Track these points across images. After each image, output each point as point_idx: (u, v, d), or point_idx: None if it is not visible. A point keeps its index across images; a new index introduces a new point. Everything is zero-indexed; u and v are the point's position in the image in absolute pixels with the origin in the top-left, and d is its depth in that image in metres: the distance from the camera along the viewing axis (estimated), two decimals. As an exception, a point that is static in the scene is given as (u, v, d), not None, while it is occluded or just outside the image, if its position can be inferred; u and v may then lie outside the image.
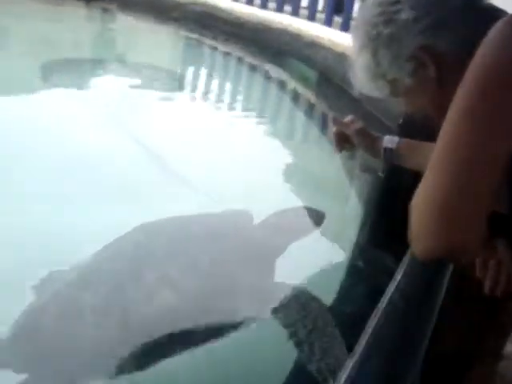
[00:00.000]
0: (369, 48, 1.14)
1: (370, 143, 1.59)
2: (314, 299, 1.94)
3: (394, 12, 1.10)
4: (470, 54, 0.99)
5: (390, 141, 1.57)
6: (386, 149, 1.57)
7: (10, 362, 1.59)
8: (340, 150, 1.64)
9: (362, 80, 1.21)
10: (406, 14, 1.09)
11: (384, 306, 1.09)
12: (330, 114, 1.64)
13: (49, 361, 1.61)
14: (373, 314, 1.08)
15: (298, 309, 1.90)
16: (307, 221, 2.60)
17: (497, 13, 1.11)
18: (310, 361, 1.69)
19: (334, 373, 1.66)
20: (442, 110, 1.18)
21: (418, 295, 1.19)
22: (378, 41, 1.13)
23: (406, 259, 1.33)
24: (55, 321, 1.72)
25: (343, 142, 1.62)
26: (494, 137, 0.91)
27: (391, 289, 1.17)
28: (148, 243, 2.17)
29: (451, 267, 1.20)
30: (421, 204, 0.95)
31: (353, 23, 1.22)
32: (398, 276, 1.22)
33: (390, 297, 1.13)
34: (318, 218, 2.60)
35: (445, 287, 1.21)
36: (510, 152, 0.91)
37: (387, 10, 1.11)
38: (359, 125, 1.58)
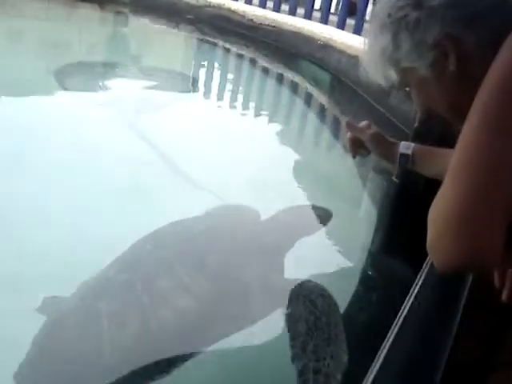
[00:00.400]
0: (390, 29, 1.10)
1: (385, 149, 1.56)
2: (326, 297, 1.93)
3: None
4: (495, 53, 0.97)
5: (406, 147, 1.54)
6: (401, 155, 1.54)
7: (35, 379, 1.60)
8: (354, 156, 1.61)
9: (372, 64, 1.17)
10: (437, 0, 1.05)
11: (404, 314, 1.08)
12: (345, 119, 1.62)
13: (71, 375, 1.62)
14: (393, 324, 1.07)
15: (309, 306, 1.89)
16: (314, 218, 2.59)
17: None
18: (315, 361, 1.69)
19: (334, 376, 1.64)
20: (456, 107, 1.14)
21: (437, 305, 1.18)
22: (402, 23, 1.08)
23: (424, 267, 1.32)
24: (74, 335, 1.72)
25: (358, 147, 1.59)
26: None
27: (411, 298, 1.16)
28: (160, 250, 2.15)
29: (470, 277, 1.19)
30: (439, 215, 0.93)
31: (375, 5, 1.16)
32: (417, 285, 1.21)
33: (410, 306, 1.12)
34: (325, 216, 2.58)
35: (464, 296, 1.20)
36: None
37: None
38: (374, 130, 1.55)
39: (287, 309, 1.88)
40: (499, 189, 0.90)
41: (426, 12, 1.06)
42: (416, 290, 1.18)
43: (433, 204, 0.96)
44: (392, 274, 2.12)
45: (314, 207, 2.67)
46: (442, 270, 0.94)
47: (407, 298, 1.18)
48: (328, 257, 2.33)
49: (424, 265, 1.33)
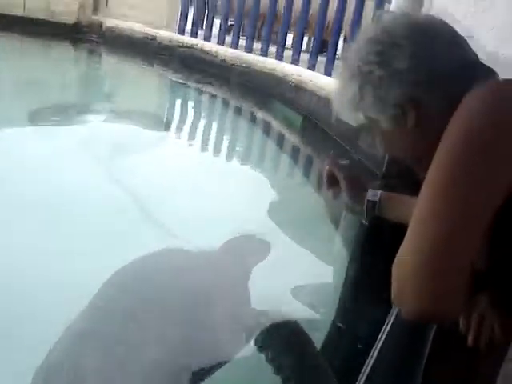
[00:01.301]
0: (357, 80, 1.16)
1: (356, 193, 1.61)
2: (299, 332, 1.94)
3: (391, 56, 1.12)
4: (452, 112, 1.03)
5: (373, 194, 1.61)
6: (368, 201, 1.60)
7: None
8: (328, 189, 1.66)
9: (341, 106, 1.23)
10: (402, 63, 1.11)
11: (374, 357, 1.12)
12: (330, 153, 1.68)
13: None
14: (364, 365, 1.10)
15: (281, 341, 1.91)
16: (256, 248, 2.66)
17: (486, 73, 1.14)
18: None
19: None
20: (415, 158, 1.23)
21: (406, 345, 1.21)
22: (368, 78, 1.14)
23: (393, 311, 1.36)
24: None
25: (332, 183, 1.64)
26: (472, 197, 0.94)
27: (381, 340, 1.19)
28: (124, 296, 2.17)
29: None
30: (400, 270, 0.97)
31: (347, 50, 1.23)
32: (389, 325, 1.25)
33: (380, 348, 1.15)
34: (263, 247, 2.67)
35: (431, 336, 1.23)
36: (491, 212, 0.94)
37: (385, 52, 1.13)
38: (352, 172, 1.62)
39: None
40: (460, 241, 0.94)
41: (390, 72, 1.12)
42: (386, 331, 1.22)
43: (396, 256, 0.99)
44: (360, 319, 2.15)
45: (252, 237, 2.72)
46: (407, 319, 0.97)
47: (376, 344, 1.22)
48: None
49: (392, 309, 1.37)
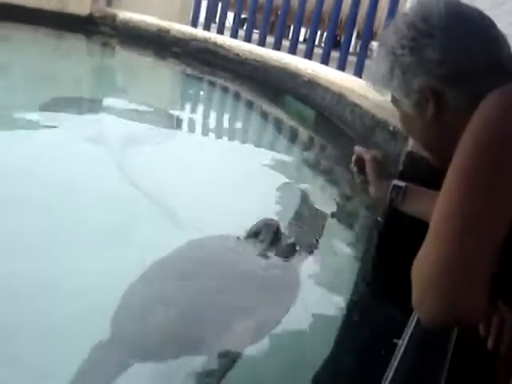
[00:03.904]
0: (389, 61, 1.20)
1: (381, 177, 1.63)
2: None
3: (423, 44, 1.14)
4: (473, 110, 1.02)
5: (398, 181, 1.61)
6: (394, 186, 1.60)
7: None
8: (359, 177, 1.70)
9: (374, 79, 1.29)
10: (432, 54, 1.13)
11: (398, 360, 1.10)
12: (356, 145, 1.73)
13: None
14: (388, 369, 1.08)
15: None
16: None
17: None
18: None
19: None
20: (429, 148, 1.28)
21: (428, 350, 1.19)
22: (398, 61, 1.18)
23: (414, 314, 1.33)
24: None
25: (361, 171, 1.68)
26: (488, 206, 0.92)
27: (404, 342, 1.17)
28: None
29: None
30: (420, 274, 0.95)
31: (386, 28, 1.27)
32: (409, 330, 1.22)
33: (401, 355, 1.13)
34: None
35: (453, 341, 1.21)
36: (507, 222, 0.92)
37: (419, 39, 1.15)
38: (378, 154, 1.67)
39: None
40: (480, 246, 0.92)
41: (419, 60, 1.15)
42: (408, 336, 1.20)
43: (416, 259, 0.97)
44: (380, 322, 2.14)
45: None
46: (428, 326, 0.96)
47: (399, 343, 1.19)
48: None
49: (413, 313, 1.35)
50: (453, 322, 0.97)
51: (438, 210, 0.97)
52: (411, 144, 2.89)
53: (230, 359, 1.79)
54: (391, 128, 3.90)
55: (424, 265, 0.95)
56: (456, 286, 0.91)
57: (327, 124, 5.42)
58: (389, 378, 1.01)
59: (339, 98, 5.28)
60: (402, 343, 1.15)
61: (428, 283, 0.94)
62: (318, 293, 2.39)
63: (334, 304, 2.29)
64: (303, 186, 3.77)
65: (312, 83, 6.08)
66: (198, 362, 1.79)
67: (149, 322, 1.92)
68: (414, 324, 1.26)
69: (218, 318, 2.02)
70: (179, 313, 1.99)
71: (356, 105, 4.81)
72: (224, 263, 2.46)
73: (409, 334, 1.18)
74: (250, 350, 1.88)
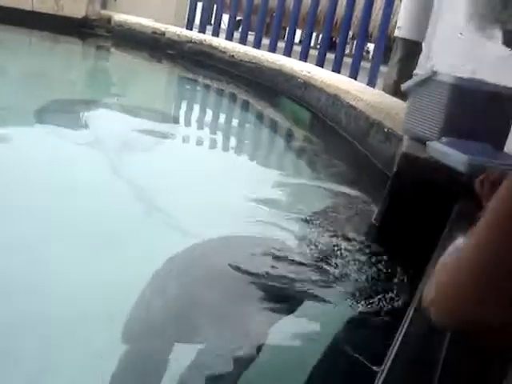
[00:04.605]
0: None
1: None
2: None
3: None
4: None
5: None
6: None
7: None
8: None
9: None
10: None
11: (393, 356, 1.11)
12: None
13: None
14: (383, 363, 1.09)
15: None
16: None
17: None
18: None
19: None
20: None
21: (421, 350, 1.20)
22: None
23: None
24: None
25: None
26: None
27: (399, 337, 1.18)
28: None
29: None
30: (452, 279, 0.92)
31: None
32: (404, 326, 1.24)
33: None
34: None
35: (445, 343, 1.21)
36: None
37: None
38: None
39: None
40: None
41: None
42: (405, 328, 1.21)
43: (446, 260, 0.94)
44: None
45: None
46: (440, 325, 0.94)
47: (392, 343, 1.21)
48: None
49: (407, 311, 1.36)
50: (471, 329, 0.95)
51: (488, 210, 0.94)
52: (406, 145, 2.92)
53: (246, 359, 1.81)
54: (386, 129, 3.92)
55: (457, 269, 0.92)
56: (483, 289, 0.89)
57: (322, 125, 5.44)
58: (384, 373, 1.03)
59: (334, 99, 5.30)
60: (397, 338, 1.17)
61: (456, 288, 0.91)
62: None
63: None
64: (299, 185, 3.78)
65: (307, 85, 6.10)
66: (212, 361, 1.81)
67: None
68: (408, 321, 1.27)
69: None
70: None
71: (351, 106, 4.84)
72: None
73: (404, 330, 1.20)
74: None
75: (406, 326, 1.25)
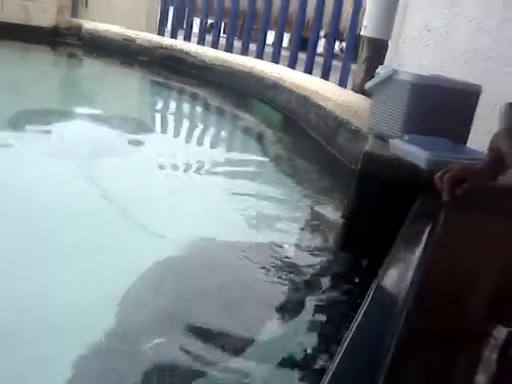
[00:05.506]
0: None
1: None
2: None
3: None
4: None
5: None
6: None
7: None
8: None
9: None
10: None
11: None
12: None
13: None
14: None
15: None
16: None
17: None
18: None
19: None
20: None
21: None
22: None
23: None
24: None
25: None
26: None
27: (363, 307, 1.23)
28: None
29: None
30: None
31: None
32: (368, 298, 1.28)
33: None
34: None
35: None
36: None
37: None
38: None
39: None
40: None
41: None
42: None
43: None
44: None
45: None
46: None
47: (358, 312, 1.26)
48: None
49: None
50: None
51: None
52: (370, 143, 2.97)
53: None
54: (353, 128, 3.98)
55: None
56: None
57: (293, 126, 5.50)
58: (347, 341, 1.07)
59: (304, 100, 5.36)
60: (362, 308, 1.21)
61: None
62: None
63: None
64: (273, 188, 3.82)
65: (277, 86, 6.15)
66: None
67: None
68: (372, 292, 1.33)
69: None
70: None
71: (320, 106, 4.89)
72: None
73: (368, 302, 1.25)
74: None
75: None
